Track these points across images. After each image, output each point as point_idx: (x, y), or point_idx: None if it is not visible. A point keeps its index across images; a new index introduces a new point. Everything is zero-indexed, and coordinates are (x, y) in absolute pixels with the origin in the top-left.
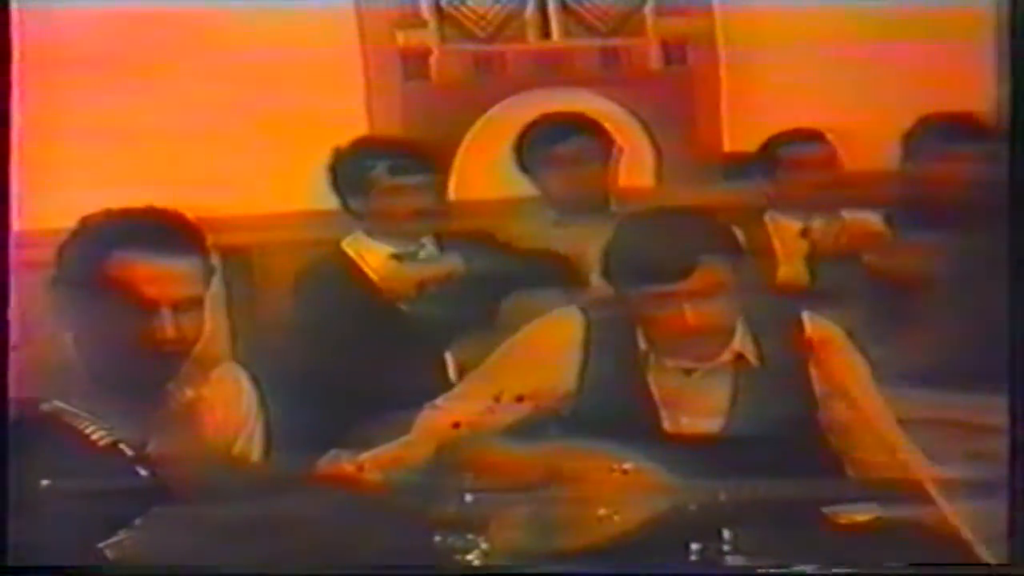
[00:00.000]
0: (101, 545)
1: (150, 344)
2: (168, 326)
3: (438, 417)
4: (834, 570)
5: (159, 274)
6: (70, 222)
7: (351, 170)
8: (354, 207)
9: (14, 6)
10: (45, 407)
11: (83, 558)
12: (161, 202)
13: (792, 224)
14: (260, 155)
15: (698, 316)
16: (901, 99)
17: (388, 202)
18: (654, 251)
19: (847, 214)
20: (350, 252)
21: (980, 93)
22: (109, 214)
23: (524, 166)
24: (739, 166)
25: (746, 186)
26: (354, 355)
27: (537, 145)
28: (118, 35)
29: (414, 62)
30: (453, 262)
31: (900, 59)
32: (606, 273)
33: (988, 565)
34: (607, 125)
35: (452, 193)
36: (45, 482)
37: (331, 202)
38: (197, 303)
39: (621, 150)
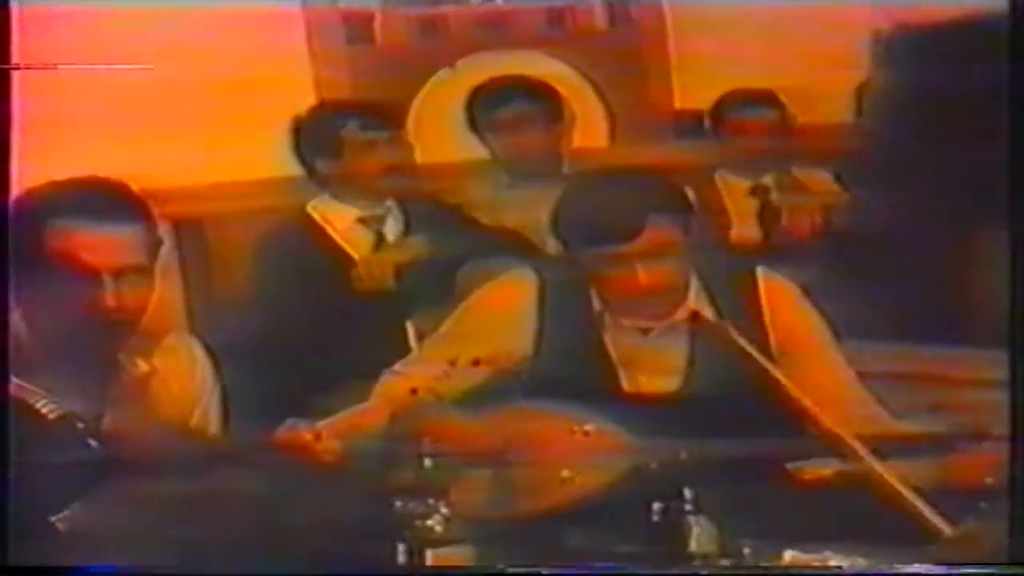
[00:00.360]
0: (53, 519)
1: (94, 313)
2: (109, 294)
3: (396, 383)
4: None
5: (99, 242)
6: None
7: (319, 131)
8: (321, 169)
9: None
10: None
11: (35, 532)
12: (108, 174)
13: (742, 183)
14: (207, 125)
15: (650, 275)
16: (852, 53)
17: (360, 159)
18: (603, 212)
19: (798, 171)
20: (315, 216)
21: None
22: (52, 184)
23: (474, 127)
24: (690, 125)
25: (697, 145)
26: (316, 320)
27: (483, 109)
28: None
29: (358, 26)
30: (420, 244)
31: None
32: (556, 234)
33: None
34: (559, 87)
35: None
36: None
37: (285, 169)
38: (141, 272)
39: (574, 114)
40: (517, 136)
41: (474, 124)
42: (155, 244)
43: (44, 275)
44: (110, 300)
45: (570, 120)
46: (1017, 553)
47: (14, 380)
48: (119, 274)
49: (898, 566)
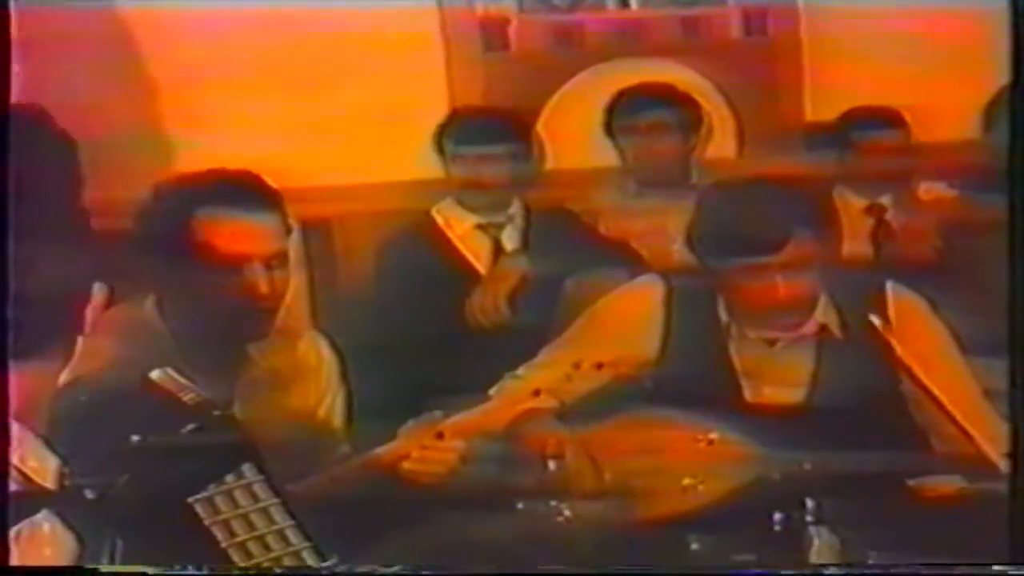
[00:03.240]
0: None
1: (243, 300)
2: (261, 281)
3: (520, 387)
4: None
5: (247, 230)
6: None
7: (447, 138)
8: (453, 173)
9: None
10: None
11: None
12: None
13: (859, 201)
14: (339, 128)
15: (788, 288)
16: (984, 68)
17: (477, 171)
18: (745, 223)
19: (924, 186)
20: (439, 219)
21: None
22: (183, 178)
23: (611, 133)
24: (820, 138)
25: (823, 159)
26: (435, 322)
27: (622, 114)
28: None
29: (494, 33)
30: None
31: (986, 28)
32: (690, 243)
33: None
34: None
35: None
36: (135, 438)
37: (411, 173)
38: (285, 258)
39: (712, 125)
40: (653, 143)
41: (610, 129)
42: (288, 231)
43: (187, 263)
44: (262, 287)
45: (707, 131)
46: (1017, 553)
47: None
48: (268, 260)
49: (898, 565)
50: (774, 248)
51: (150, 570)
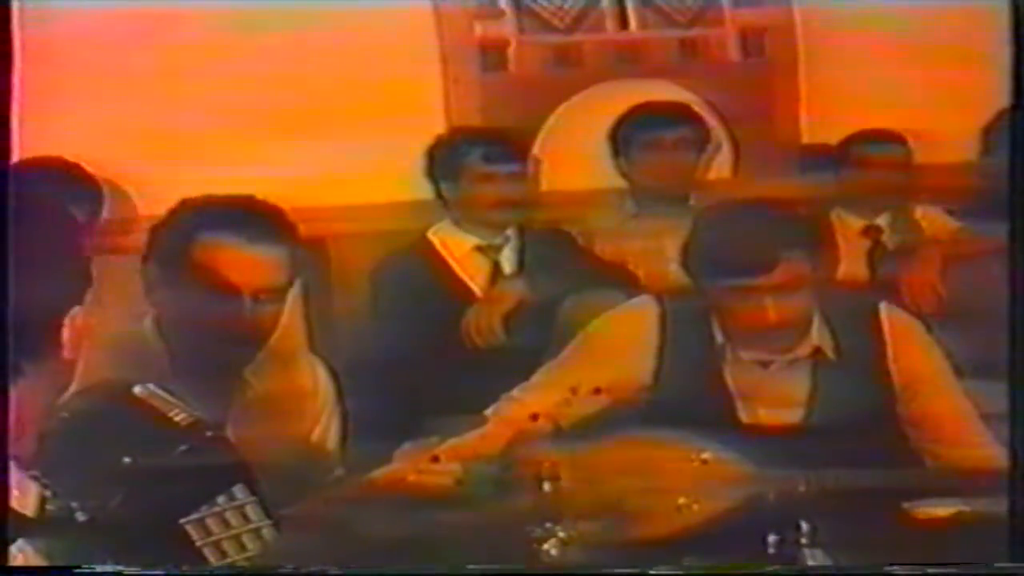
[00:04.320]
0: (182, 521)
1: (225, 330)
2: (245, 314)
3: (515, 409)
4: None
5: (244, 261)
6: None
7: (446, 157)
8: (447, 194)
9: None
10: (138, 391)
11: (161, 534)
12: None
13: (856, 222)
14: (335, 148)
15: (779, 310)
16: (981, 91)
17: (478, 190)
18: (737, 244)
19: (920, 210)
20: (435, 241)
21: None
22: (208, 199)
23: (617, 152)
24: (816, 160)
25: (820, 181)
26: (431, 344)
27: (639, 130)
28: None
29: (492, 54)
30: (526, 289)
31: (982, 50)
32: (685, 264)
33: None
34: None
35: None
36: (127, 460)
37: (409, 193)
38: (279, 294)
39: (719, 144)
40: (667, 159)
41: (617, 145)
42: (296, 266)
43: (185, 284)
44: (245, 320)
45: (714, 150)
46: (1017, 553)
47: (142, 385)
48: (257, 295)
49: (897, 566)
50: (765, 269)
51: (149, 571)
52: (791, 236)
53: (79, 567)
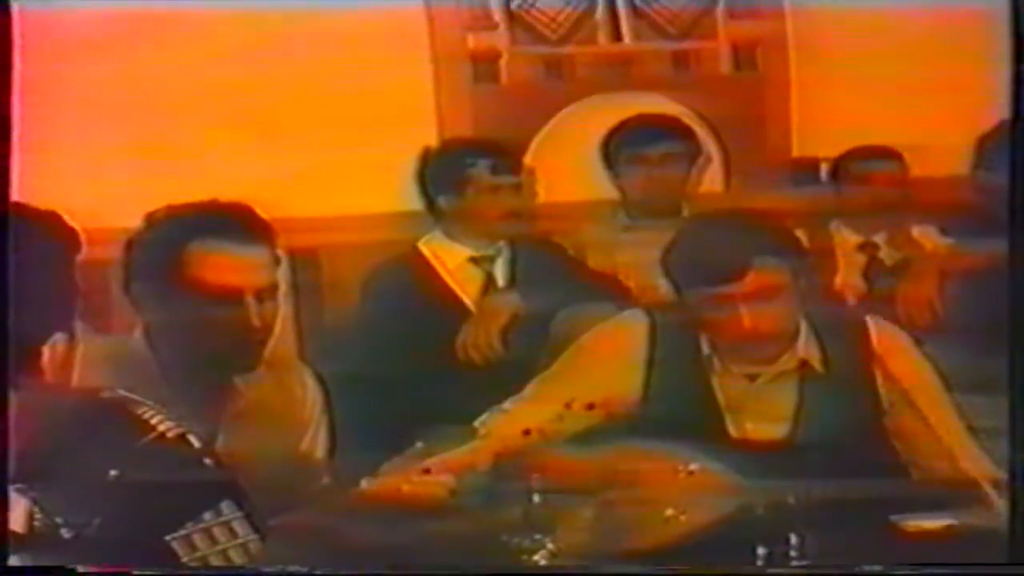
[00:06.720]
0: (168, 538)
1: (234, 333)
2: (253, 314)
3: (505, 421)
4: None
5: (239, 262)
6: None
7: (447, 167)
8: (443, 205)
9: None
10: (107, 395)
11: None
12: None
13: (853, 237)
14: (326, 157)
15: (755, 319)
16: (976, 103)
17: (482, 201)
18: (710, 252)
19: (917, 230)
20: (426, 252)
21: None
22: (172, 209)
23: (609, 164)
24: (806, 173)
25: (814, 193)
26: (422, 357)
27: (628, 144)
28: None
29: (484, 65)
30: (520, 302)
31: (976, 64)
32: (667, 275)
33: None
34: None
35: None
36: (113, 472)
37: (399, 204)
38: (275, 292)
39: (709, 157)
40: (661, 173)
41: (609, 158)
42: (277, 263)
43: (179, 295)
44: (254, 319)
45: (704, 162)
46: (1017, 553)
47: (122, 392)
48: (260, 293)
49: (895, 566)
50: (736, 276)
51: (148, 570)
52: (763, 243)
53: (78, 568)
